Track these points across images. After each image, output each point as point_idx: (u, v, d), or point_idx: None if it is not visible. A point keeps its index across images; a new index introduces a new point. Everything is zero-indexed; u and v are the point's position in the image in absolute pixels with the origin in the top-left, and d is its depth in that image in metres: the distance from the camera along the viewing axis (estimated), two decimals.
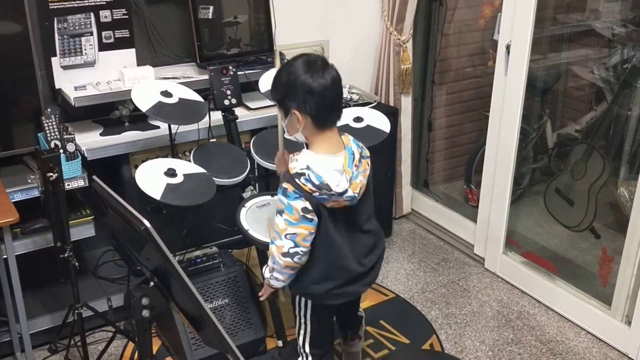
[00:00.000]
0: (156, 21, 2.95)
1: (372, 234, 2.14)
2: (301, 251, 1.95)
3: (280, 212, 1.94)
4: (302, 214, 1.90)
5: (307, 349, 2.22)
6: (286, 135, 2.04)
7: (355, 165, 1.95)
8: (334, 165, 1.93)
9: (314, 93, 1.88)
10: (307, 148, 1.99)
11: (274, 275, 2.05)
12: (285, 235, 1.93)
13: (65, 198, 2.36)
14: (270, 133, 2.80)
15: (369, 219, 2.11)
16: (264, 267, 2.12)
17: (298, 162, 1.91)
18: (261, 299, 2.23)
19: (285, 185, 1.92)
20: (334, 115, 1.95)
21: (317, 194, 1.89)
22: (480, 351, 2.79)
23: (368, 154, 2.05)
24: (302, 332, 2.22)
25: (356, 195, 1.94)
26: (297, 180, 1.89)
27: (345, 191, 1.91)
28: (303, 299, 2.15)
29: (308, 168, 1.88)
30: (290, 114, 1.93)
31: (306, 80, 1.88)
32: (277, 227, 1.95)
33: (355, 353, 2.55)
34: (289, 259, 1.96)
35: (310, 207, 1.90)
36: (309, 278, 2.05)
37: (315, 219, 1.93)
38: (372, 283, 2.23)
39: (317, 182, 1.87)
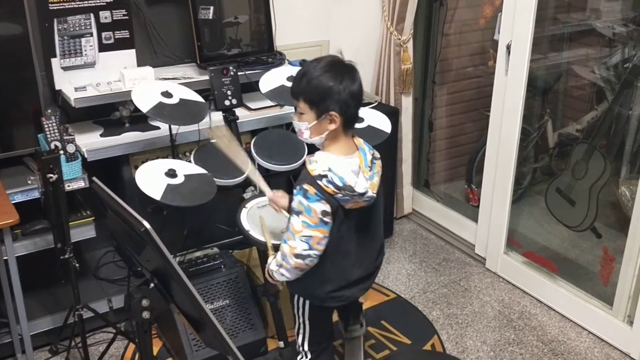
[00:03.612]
0: (156, 22, 2.95)
1: (379, 240, 2.17)
2: (314, 254, 1.96)
3: (297, 213, 1.93)
4: (320, 217, 1.91)
5: (306, 347, 2.24)
6: (300, 137, 2.02)
7: (369, 166, 1.98)
8: (350, 166, 1.95)
9: (355, 96, 1.93)
10: (322, 150, 2.00)
11: (281, 271, 2.03)
12: (301, 237, 1.93)
13: (66, 199, 2.36)
14: (271, 133, 2.80)
15: (379, 223, 2.13)
16: (270, 260, 2.09)
17: (318, 164, 1.91)
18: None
19: (306, 187, 1.91)
20: (359, 117, 2.04)
21: (340, 195, 1.90)
22: (482, 351, 2.79)
23: (378, 156, 2.07)
24: (300, 331, 2.23)
25: (375, 195, 1.97)
26: (319, 182, 1.89)
27: (366, 192, 1.93)
28: (301, 299, 2.17)
29: (329, 170, 1.89)
30: (326, 115, 1.92)
31: (347, 84, 1.91)
32: (292, 228, 1.95)
33: (357, 339, 2.54)
34: (300, 261, 1.96)
35: (329, 210, 1.91)
36: (309, 279, 2.05)
37: (331, 222, 1.95)
38: (370, 287, 2.24)
39: (339, 184, 1.88)
